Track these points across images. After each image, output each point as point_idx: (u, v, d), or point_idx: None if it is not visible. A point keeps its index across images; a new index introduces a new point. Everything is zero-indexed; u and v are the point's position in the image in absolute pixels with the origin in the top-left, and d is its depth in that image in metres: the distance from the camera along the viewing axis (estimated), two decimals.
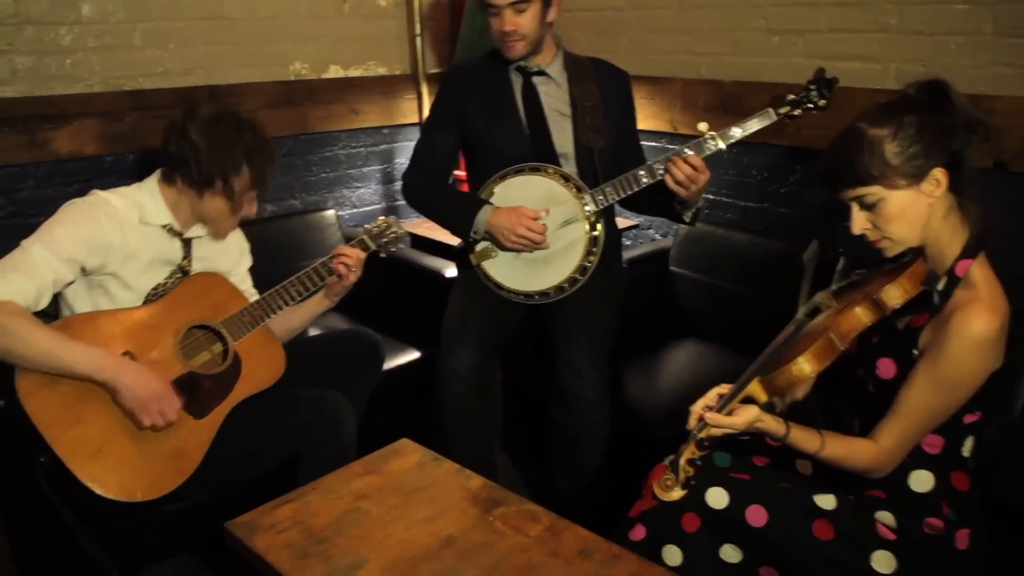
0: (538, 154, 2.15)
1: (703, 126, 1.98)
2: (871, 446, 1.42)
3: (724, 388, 1.48)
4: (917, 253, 1.43)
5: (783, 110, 1.98)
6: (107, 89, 2.51)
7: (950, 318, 1.36)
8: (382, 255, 2.07)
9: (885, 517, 1.46)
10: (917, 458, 1.45)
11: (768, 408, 1.45)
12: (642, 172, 2.03)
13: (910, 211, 1.40)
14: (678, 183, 1.96)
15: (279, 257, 2.71)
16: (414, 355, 2.55)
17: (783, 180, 2.63)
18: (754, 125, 1.98)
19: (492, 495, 1.58)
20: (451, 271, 2.60)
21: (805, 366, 1.37)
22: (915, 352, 1.42)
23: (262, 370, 1.89)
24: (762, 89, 2.56)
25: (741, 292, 2.57)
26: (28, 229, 1.73)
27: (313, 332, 2.54)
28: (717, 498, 1.45)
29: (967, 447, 1.46)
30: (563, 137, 2.18)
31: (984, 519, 1.48)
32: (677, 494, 1.45)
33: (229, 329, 1.86)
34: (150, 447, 1.70)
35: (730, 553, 1.48)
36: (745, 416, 1.40)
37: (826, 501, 1.46)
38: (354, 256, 1.96)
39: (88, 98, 2.47)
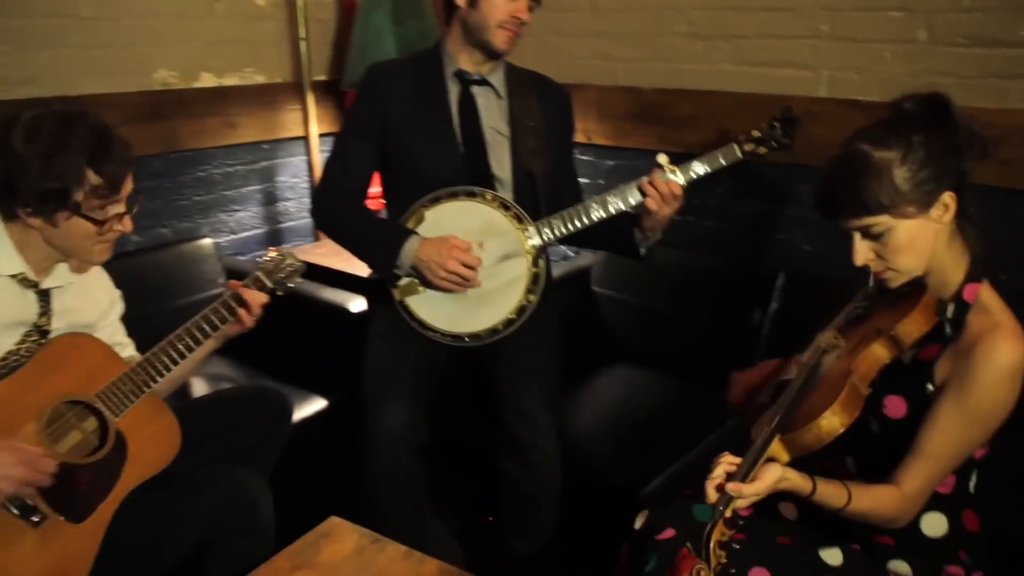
0: (472, 176, 1.89)
1: (663, 158, 1.79)
2: (895, 492, 1.30)
3: (729, 457, 1.30)
4: (918, 281, 1.33)
5: (748, 147, 1.81)
6: None
7: (973, 348, 1.26)
8: (280, 293, 1.74)
9: (899, 567, 1.35)
10: (928, 499, 1.33)
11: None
12: (594, 204, 1.82)
13: (919, 240, 1.29)
14: (662, 198, 1.75)
15: (151, 295, 2.33)
16: (320, 404, 2.23)
17: (707, 192, 2.51)
18: (718, 161, 1.81)
19: None
20: (357, 305, 2.31)
21: (835, 420, 1.23)
22: (930, 387, 1.31)
23: (153, 449, 1.53)
24: (687, 97, 2.44)
25: (669, 312, 2.43)
26: None
27: (201, 387, 2.18)
28: None
29: (973, 483, 1.37)
30: (500, 159, 1.94)
31: (993, 560, 1.38)
32: None
33: (107, 402, 1.49)
34: (19, 567, 1.33)
35: None
36: (769, 478, 1.23)
37: (832, 556, 1.32)
38: (257, 301, 1.64)
39: None
